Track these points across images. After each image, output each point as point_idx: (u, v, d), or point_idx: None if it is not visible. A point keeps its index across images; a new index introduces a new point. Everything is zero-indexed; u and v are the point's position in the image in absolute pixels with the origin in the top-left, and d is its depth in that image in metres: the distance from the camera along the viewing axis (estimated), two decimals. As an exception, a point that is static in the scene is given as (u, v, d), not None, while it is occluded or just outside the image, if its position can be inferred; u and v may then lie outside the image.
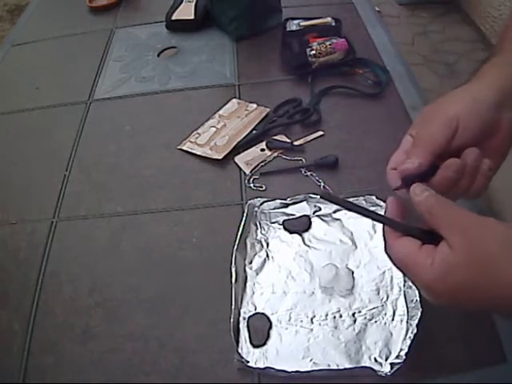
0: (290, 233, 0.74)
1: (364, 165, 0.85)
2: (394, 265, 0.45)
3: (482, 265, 0.40)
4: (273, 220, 0.76)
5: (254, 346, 0.62)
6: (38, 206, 0.85)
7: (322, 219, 0.75)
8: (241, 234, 0.72)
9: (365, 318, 0.63)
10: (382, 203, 0.74)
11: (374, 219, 0.46)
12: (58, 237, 0.80)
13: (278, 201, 0.77)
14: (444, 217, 0.42)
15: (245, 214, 0.75)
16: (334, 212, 0.76)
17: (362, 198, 0.75)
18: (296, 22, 1.16)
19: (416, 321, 0.59)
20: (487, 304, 0.41)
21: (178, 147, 0.92)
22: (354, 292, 0.66)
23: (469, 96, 0.52)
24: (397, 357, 0.58)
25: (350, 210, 0.46)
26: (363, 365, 0.59)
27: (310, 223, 0.75)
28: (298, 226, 0.75)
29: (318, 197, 0.77)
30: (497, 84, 0.52)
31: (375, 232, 0.72)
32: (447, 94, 0.54)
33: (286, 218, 0.76)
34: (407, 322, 0.61)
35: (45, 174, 0.91)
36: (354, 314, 0.64)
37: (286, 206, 0.77)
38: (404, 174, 0.49)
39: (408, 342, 0.58)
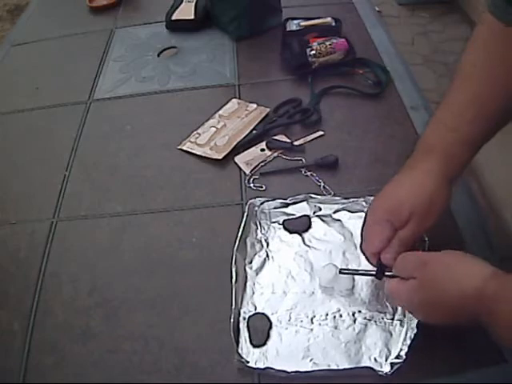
0: (290, 233, 0.74)
1: (364, 165, 0.85)
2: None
3: (433, 285, 0.54)
4: (273, 220, 0.76)
5: (254, 346, 0.62)
6: (38, 206, 0.85)
7: (322, 219, 0.75)
8: (241, 234, 0.72)
9: (365, 318, 0.63)
10: None
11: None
12: (58, 237, 0.80)
13: (279, 200, 0.77)
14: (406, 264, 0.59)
15: (245, 214, 0.75)
16: (334, 212, 0.76)
17: (361, 199, 0.75)
18: (296, 22, 1.16)
19: (415, 321, 0.59)
20: (449, 314, 0.54)
21: (178, 147, 0.92)
22: (354, 292, 0.66)
23: (420, 190, 0.62)
24: (397, 357, 0.58)
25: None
26: (363, 365, 0.59)
27: (310, 223, 0.75)
28: (298, 226, 0.75)
29: (319, 197, 0.77)
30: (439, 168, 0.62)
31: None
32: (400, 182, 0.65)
33: (286, 217, 0.76)
34: (407, 323, 0.61)
35: (45, 174, 0.91)
36: (353, 314, 0.64)
37: (287, 205, 0.77)
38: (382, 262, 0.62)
39: (408, 341, 0.58)
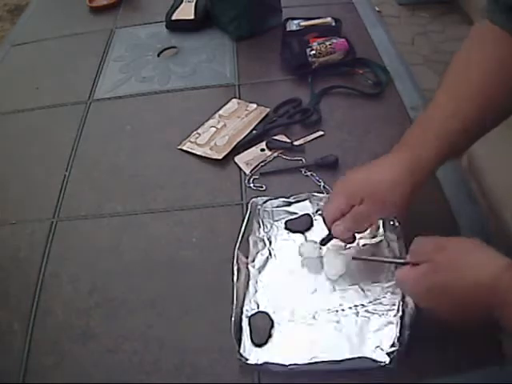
0: (293, 233, 0.74)
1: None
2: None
3: (448, 268, 0.53)
4: (275, 218, 0.76)
5: (256, 345, 0.62)
6: (38, 206, 0.85)
7: None
8: (243, 232, 0.72)
9: (367, 310, 0.63)
10: None
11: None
12: (57, 237, 0.80)
13: (281, 199, 0.77)
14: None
15: (248, 212, 0.75)
16: None
17: None
18: (296, 22, 1.16)
19: (416, 312, 0.59)
20: (459, 304, 0.52)
21: (178, 147, 0.92)
22: (355, 284, 0.66)
23: (376, 178, 0.64)
24: (395, 346, 0.58)
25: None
26: (364, 355, 0.59)
27: (312, 223, 0.75)
28: (300, 226, 0.74)
29: (321, 195, 0.77)
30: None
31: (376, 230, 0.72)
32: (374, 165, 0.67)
33: (289, 216, 0.76)
34: (409, 316, 0.61)
35: (45, 174, 0.91)
36: (356, 308, 0.64)
37: (289, 204, 0.77)
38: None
39: (408, 333, 0.58)
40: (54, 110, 1.05)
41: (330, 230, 0.66)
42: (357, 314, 0.63)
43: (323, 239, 0.68)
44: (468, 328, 0.55)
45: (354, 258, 0.67)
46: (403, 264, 0.60)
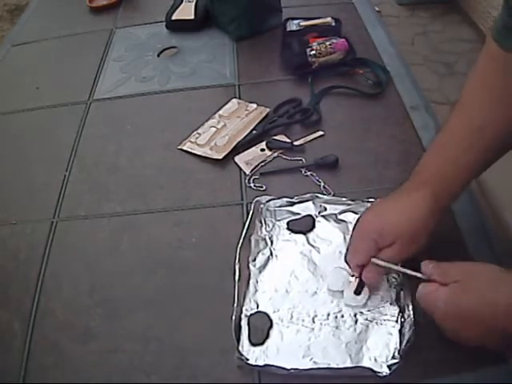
0: (295, 233, 0.74)
1: (364, 165, 0.84)
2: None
3: (479, 290, 0.54)
4: (278, 218, 0.76)
5: (253, 345, 0.62)
6: (38, 206, 0.85)
7: (327, 219, 0.75)
8: (245, 232, 0.72)
9: (366, 319, 0.63)
10: None
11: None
12: (58, 237, 0.80)
13: (284, 199, 0.77)
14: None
15: (251, 211, 0.75)
16: (340, 213, 0.76)
17: (367, 201, 0.75)
18: (296, 22, 1.16)
19: (414, 322, 0.59)
20: (484, 327, 0.52)
21: (178, 147, 0.92)
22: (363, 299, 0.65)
23: (406, 218, 0.63)
24: (396, 358, 0.58)
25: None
26: (363, 365, 0.59)
27: (314, 224, 0.75)
28: (302, 227, 0.74)
29: (325, 197, 0.77)
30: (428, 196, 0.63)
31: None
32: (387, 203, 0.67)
33: (291, 216, 0.76)
34: (408, 324, 0.61)
35: (45, 174, 0.91)
36: (355, 315, 0.64)
37: (292, 204, 0.77)
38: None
39: (408, 343, 0.58)
40: (53, 109, 1.05)
41: (359, 276, 0.64)
42: (356, 321, 0.63)
43: (357, 289, 0.64)
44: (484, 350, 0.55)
45: (373, 263, 0.63)
46: (423, 280, 0.58)
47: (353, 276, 0.66)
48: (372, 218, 0.65)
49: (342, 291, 0.66)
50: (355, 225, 0.66)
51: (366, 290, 0.65)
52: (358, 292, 0.64)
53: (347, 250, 0.66)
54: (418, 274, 0.59)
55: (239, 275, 0.67)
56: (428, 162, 0.68)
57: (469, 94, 0.68)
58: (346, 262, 0.66)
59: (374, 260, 0.63)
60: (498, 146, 0.65)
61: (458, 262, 0.59)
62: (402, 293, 0.65)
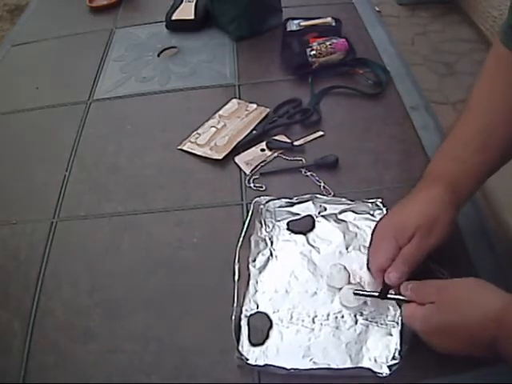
0: (295, 233, 0.74)
1: (364, 165, 0.85)
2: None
3: (453, 308, 0.55)
4: (278, 218, 0.76)
5: (253, 345, 0.62)
6: (38, 206, 0.85)
7: (327, 219, 0.75)
8: (245, 232, 0.72)
9: (366, 319, 0.63)
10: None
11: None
12: (58, 237, 0.80)
13: (284, 199, 0.77)
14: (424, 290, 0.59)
15: (250, 212, 0.75)
16: (340, 213, 0.76)
17: (367, 200, 0.75)
18: (296, 22, 1.16)
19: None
20: (467, 341, 0.54)
21: (178, 147, 0.92)
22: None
23: (424, 210, 0.63)
24: (396, 359, 0.58)
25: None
26: (363, 366, 0.59)
27: (314, 224, 0.75)
28: (302, 227, 0.74)
29: (324, 197, 0.77)
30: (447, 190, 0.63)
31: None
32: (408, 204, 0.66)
33: (291, 216, 0.76)
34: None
35: (45, 174, 0.91)
36: (355, 315, 0.64)
37: (292, 204, 0.77)
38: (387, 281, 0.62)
39: (408, 344, 0.58)
40: (53, 109, 1.05)
41: (383, 280, 0.62)
42: (356, 321, 0.63)
43: (381, 293, 0.63)
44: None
45: (355, 294, 0.63)
46: (407, 301, 0.59)
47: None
48: (389, 218, 0.66)
49: (340, 288, 0.66)
50: (373, 231, 0.66)
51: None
52: (383, 296, 0.62)
53: (367, 256, 0.67)
54: (401, 297, 0.60)
55: (239, 275, 0.67)
56: (438, 163, 0.68)
57: (477, 97, 0.69)
58: (368, 268, 0.67)
59: (356, 290, 0.64)
60: (506, 148, 0.65)
61: (436, 280, 0.60)
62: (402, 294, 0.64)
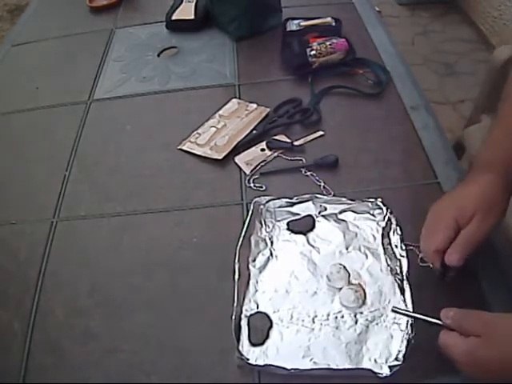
0: (295, 233, 0.74)
1: (364, 165, 0.85)
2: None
3: (501, 346, 0.52)
4: (278, 218, 0.76)
5: (253, 345, 0.62)
6: (38, 206, 0.85)
7: (327, 219, 0.75)
8: (245, 232, 0.72)
9: (366, 319, 0.63)
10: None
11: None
12: (58, 237, 0.80)
13: (284, 199, 0.77)
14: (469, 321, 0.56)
15: (250, 212, 0.75)
16: (340, 213, 0.76)
17: (367, 200, 0.75)
18: (296, 22, 1.17)
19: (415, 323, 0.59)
20: (508, 377, 0.52)
21: (178, 147, 0.92)
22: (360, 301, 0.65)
23: (482, 192, 0.64)
24: (396, 359, 0.58)
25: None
26: (363, 366, 0.59)
27: (314, 224, 0.75)
28: (302, 227, 0.74)
29: (324, 197, 0.77)
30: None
31: (378, 233, 0.72)
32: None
33: (291, 216, 0.76)
34: (408, 325, 0.61)
35: (45, 174, 0.91)
36: (355, 315, 0.64)
37: (292, 204, 0.77)
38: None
39: (408, 344, 0.58)
40: (53, 109, 1.05)
41: (442, 262, 0.62)
42: (356, 321, 0.63)
43: (442, 274, 0.63)
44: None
45: (393, 311, 0.61)
46: (442, 325, 0.57)
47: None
48: (447, 200, 0.66)
49: (340, 288, 0.66)
50: (429, 213, 0.65)
51: (362, 294, 0.65)
52: (446, 278, 0.62)
53: (422, 239, 0.65)
54: (439, 322, 0.58)
55: (239, 275, 0.67)
56: (487, 152, 0.70)
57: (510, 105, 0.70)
58: (423, 251, 0.65)
59: (393, 308, 0.61)
60: None
61: (480, 312, 0.57)
62: (402, 294, 0.64)
